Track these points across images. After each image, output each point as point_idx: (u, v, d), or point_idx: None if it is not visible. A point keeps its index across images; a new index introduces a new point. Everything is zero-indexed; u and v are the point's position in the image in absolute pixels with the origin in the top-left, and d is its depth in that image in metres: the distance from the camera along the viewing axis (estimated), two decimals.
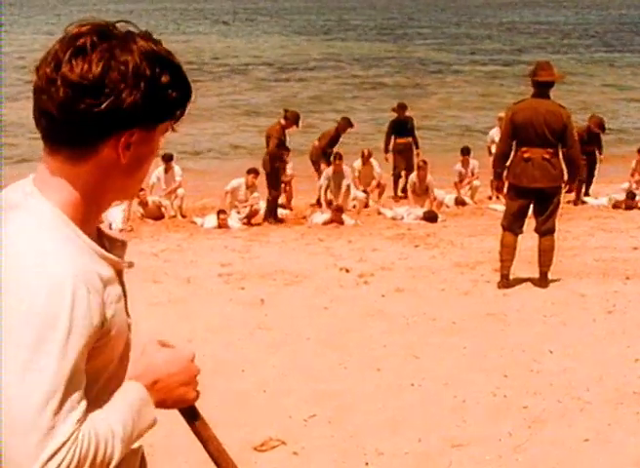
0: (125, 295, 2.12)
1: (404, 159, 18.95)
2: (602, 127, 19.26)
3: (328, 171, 17.17)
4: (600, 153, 18.87)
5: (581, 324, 8.40)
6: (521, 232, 9.99)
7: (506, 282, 9.93)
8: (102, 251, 2.02)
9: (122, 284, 2.10)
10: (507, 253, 9.97)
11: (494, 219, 16.38)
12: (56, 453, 1.78)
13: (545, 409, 6.34)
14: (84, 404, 1.87)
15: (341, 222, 15.87)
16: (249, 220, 16.23)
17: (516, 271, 10.57)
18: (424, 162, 17.70)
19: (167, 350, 2.20)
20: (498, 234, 14.21)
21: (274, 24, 70.65)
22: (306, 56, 49.88)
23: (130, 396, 2.05)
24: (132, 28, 2.03)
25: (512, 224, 9.95)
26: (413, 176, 17.70)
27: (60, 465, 1.78)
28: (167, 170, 16.96)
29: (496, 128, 19.22)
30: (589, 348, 7.69)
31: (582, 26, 71.04)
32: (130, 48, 1.95)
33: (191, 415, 2.25)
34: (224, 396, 6.29)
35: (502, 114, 19.37)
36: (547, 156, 9.51)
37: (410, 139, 19.15)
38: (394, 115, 19.34)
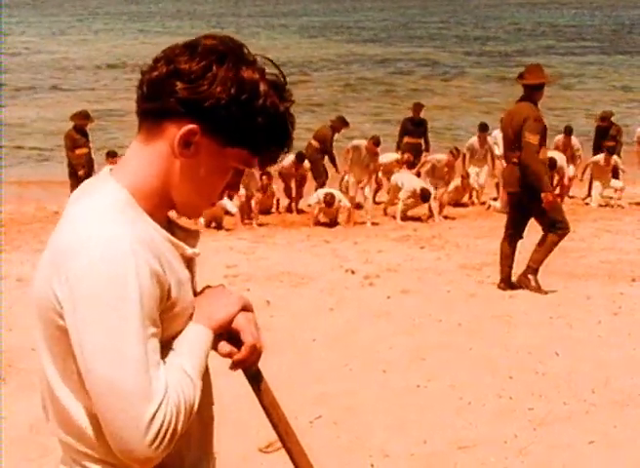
0: (193, 281, 2.19)
1: None
2: (603, 119, 19.24)
3: (319, 192, 16.72)
4: (611, 154, 18.46)
5: (587, 326, 8.39)
6: (519, 238, 10.03)
7: (504, 285, 9.99)
8: (168, 234, 2.07)
9: (191, 271, 2.17)
10: (503, 259, 10.05)
11: (500, 221, 16.37)
12: (156, 413, 1.87)
13: (551, 412, 6.33)
14: (161, 361, 1.95)
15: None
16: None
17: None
18: (457, 149, 17.70)
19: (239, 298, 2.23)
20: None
21: (275, 26, 70.65)
22: (308, 57, 49.90)
23: (193, 338, 2.09)
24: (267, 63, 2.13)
25: (507, 230, 10.10)
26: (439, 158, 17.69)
27: (162, 422, 1.88)
28: None
29: (498, 129, 19.18)
30: (595, 350, 7.68)
31: (587, 28, 70.96)
32: (236, 66, 2.03)
33: (256, 379, 2.28)
34: (230, 397, 6.29)
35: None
36: (515, 160, 9.64)
37: (420, 140, 19.02)
38: (397, 116, 19.29)
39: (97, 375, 1.87)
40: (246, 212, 16.28)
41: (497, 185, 19.08)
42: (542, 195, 9.43)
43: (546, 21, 76.87)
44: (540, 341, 7.96)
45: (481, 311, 9.00)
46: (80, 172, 16.41)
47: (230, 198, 14.54)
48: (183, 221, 2.24)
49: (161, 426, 1.87)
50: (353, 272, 11.08)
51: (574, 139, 19.05)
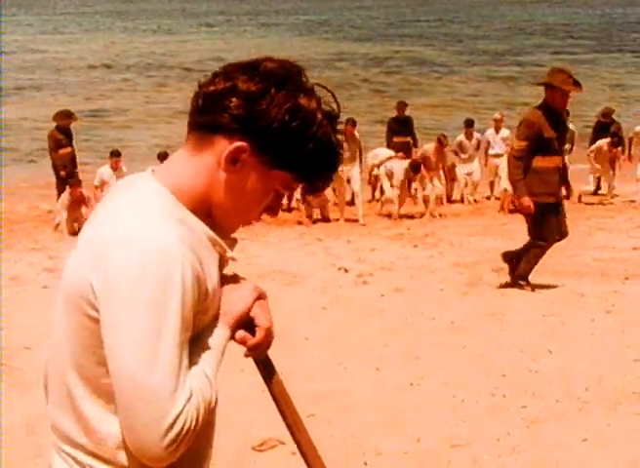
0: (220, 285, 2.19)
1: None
2: (605, 115, 19.23)
3: None
4: (615, 146, 18.36)
5: (580, 324, 8.40)
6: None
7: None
8: (213, 234, 2.09)
9: (221, 273, 2.19)
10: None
11: (493, 219, 16.42)
12: (178, 417, 1.89)
13: (544, 409, 6.34)
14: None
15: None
16: None
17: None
18: (444, 136, 17.69)
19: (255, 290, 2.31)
20: (496, 234, 14.26)
21: (270, 24, 70.63)
22: (299, 55, 49.78)
23: (219, 340, 2.11)
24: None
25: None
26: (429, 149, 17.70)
27: (182, 426, 1.90)
28: None
29: (491, 129, 19.19)
30: (588, 348, 7.69)
31: (579, 26, 71.07)
32: (294, 93, 2.05)
33: (268, 372, 2.32)
34: (223, 396, 6.29)
35: (498, 115, 19.49)
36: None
37: (408, 139, 19.05)
38: (388, 115, 19.30)
39: (125, 372, 1.89)
40: None
41: (491, 184, 19.12)
42: (517, 200, 9.54)
43: (538, 20, 76.99)
44: (534, 339, 7.97)
45: (474, 309, 9.00)
46: (62, 172, 16.31)
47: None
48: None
49: (181, 430, 1.90)
50: (346, 270, 11.09)
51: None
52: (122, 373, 1.89)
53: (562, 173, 9.78)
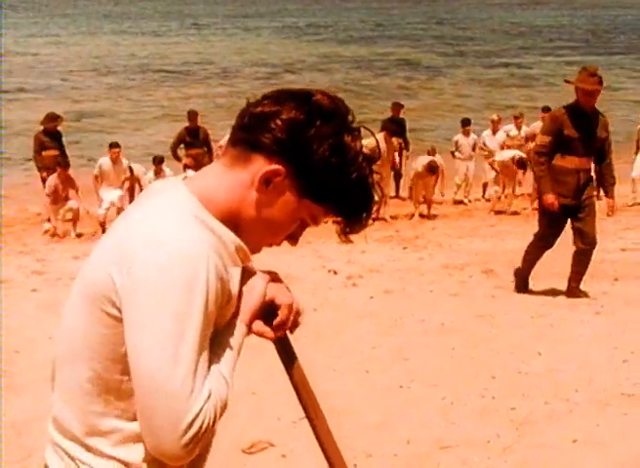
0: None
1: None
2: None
3: None
4: None
5: (570, 325, 8.41)
6: (574, 245, 9.76)
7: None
8: (239, 240, 2.12)
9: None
10: None
11: (482, 221, 16.48)
12: (196, 417, 1.92)
13: (534, 411, 6.34)
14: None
15: None
16: None
17: (503, 274, 10.62)
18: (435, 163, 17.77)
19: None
20: (485, 235, 14.30)
21: (256, 27, 70.56)
22: (287, 58, 49.89)
23: (228, 336, 2.13)
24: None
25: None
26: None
27: (200, 427, 1.93)
28: (157, 172, 16.48)
29: (488, 130, 19.23)
30: (577, 349, 7.70)
31: (569, 28, 71.24)
32: (342, 131, 2.08)
33: (282, 344, 2.40)
34: None
35: (495, 116, 19.54)
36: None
37: (400, 141, 19.01)
38: (377, 117, 19.29)
39: (147, 371, 1.91)
40: None
41: (484, 185, 19.18)
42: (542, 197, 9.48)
43: (526, 22, 77.09)
44: (523, 341, 7.98)
45: (464, 311, 9.01)
46: (44, 174, 16.34)
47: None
48: None
49: (199, 430, 1.92)
50: (336, 273, 11.09)
51: None
52: (144, 373, 1.91)
53: (585, 176, 9.41)
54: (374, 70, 44.54)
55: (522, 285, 9.87)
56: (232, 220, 2.11)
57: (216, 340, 2.07)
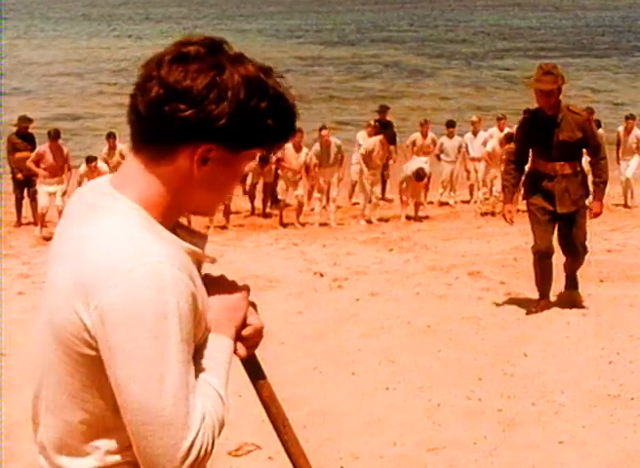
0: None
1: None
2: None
3: None
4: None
5: (556, 327, 8.42)
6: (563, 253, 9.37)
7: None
8: (188, 244, 2.06)
9: (200, 274, 2.15)
10: None
11: (468, 223, 16.49)
12: (194, 441, 1.88)
13: (520, 413, 6.35)
14: (195, 381, 1.96)
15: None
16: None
17: (490, 274, 10.63)
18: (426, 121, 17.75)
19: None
20: (472, 238, 14.31)
21: (239, 30, 70.47)
22: (276, 60, 49.84)
23: (219, 351, 2.10)
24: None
25: None
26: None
27: (199, 450, 1.90)
28: None
29: (469, 133, 19.24)
30: (564, 351, 7.71)
31: (553, 30, 71.37)
32: (234, 68, 1.99)
33: (256, 374, 2.33)
34: None
35: (475, 118, 19.55)
36: None
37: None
38: (366, 119, 19.27)
39: (135, 404, 1.86)
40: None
41: (470, 187, 19.20)
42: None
43: (510, 24, 77.24)
44: (509, 343, 7.98)
45: (450, 313, 9.01)
46: (18, 175, 16.46)
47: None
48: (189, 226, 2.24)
49: (198, 454, 1.89)
50: (322, 275, 11.08)
51: None
52: (132, 406, 1.87)
53: (564, 181, 8.68)
54: (358, 72, 44.57)
55: (544, 304, 9.07)
56: (174, 213, 2.08)
57: (203, 355, 2.05)
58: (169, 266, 1.89)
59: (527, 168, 9.18)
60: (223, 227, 16.21)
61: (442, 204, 19.00)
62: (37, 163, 16.09)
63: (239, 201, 17.52)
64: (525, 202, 9.18)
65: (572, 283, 9.31)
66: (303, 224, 16.61)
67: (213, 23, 76.40)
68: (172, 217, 2.08)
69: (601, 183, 9.01)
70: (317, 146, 17.00)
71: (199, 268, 2.14)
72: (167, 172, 2.01)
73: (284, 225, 16.52)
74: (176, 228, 2.12)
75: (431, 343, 7.99)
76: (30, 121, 17.11)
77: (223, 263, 11.97)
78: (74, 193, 2.15)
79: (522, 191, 9.43)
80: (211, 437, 1.93)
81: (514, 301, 9.43)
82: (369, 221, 16.80)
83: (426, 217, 17.44)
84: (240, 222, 16.96)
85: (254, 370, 2.32)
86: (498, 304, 9.31)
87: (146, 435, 1.86)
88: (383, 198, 19.32)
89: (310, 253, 13.04)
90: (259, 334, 2.26)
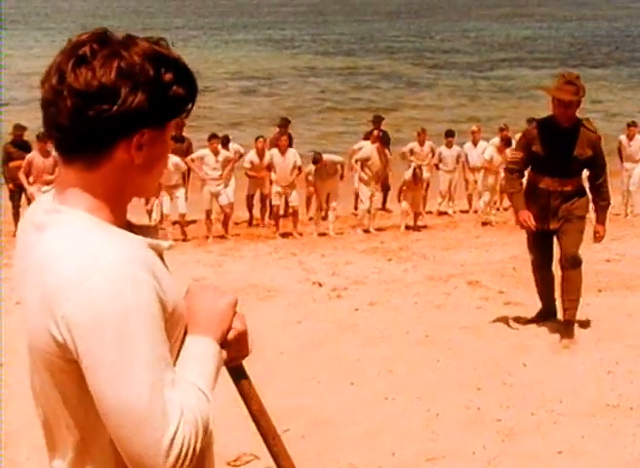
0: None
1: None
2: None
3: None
4: None
5: (555, 336, 8.41)
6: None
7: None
8: (144, 238, 2.06)
9: (165, 264, 2.16)
10: None
11: (466, 232, 16.49)
12: (175, 436, 1.88)
13: (519, 422, 6.34)
14: (175, 378, 1.96)
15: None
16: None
17: (489, 284, 10.62)
18: (420, 168, 17.71)
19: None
20: (470, 247, 14.31)
21: (235, 40, 70.58)
22: (273, 70, 49.95)
23: (203, 352, 2.11)
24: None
25: None
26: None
27: (182, 445, 1.89)
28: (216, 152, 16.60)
29: (469, 142, 19.22)
30: (562, 361, 7.70)
31: (550, 40, 71.51)
32: (131, 50, 1.98)
33: (238, 374, 2.32)
34: None
35: (475, 127, 19.55)
36: None
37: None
38: (363, 129, 19.26)
39: (111, 408, 1.88)
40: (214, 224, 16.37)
41: (468, 197, 19.21)
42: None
43: (506, 34, 77.41)
44: (508, 352, 7.98)
45: (448, 322, 9.01)
46: (10, 185, 16.46)
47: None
48: (138, 220, 2.24)
49: (181, 449, 1.89)
50: (320, 284, 11.07)
51: None
52: (109, 410, 1.88)
53: (559, 199, 8.25)
54: (354, 82, 44.63)
55: (546, 314, 8.91)
56: (123, 207, 2.11)
57: (187, 359, 2.07)
58: (125, 268, 1.89)
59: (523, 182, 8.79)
60: (222, 237, 16.23)
61: (441, 213, 19.03)
62: (29, 170, 16.07)
63: (237, 211, 17.51)
64: (518, 212, 8.47)
65: (570, 316, 8.47)
66: (302, 234, 16.62)
67: (209, 33, 76.51)
68: (122, 214, 2.10)
69: (604, 205, 8.59)
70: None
71: (161, 257, 2.15)
72: (106, 172, 2.02)
73: (283, 235, 16.51)
74: (130, 228, 2.14)
75: (430, 353, 7.99)
76: (24, 129, 17.06)
77: (222, 273, 12.00)
78: (25, 214, 2.16)
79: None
80: (193, 431, 1.92)
81: (513, 311, 9.42)
82: (366, 231, 16.83)
83: (425, 227, 17.47)
84: (238, 232, 16.97)
85: (242, 381, 2.31)
86: (496, 314, 9.29)
87: (127, 436, 1.88)
88: (384, 208, 19.34)
89: (309, 262, 13.03)
90: (244, 340, 2.27)
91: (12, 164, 16.58)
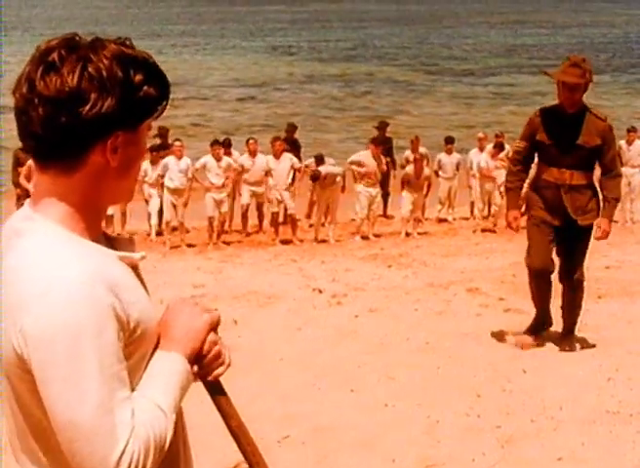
0: (145, 287, 2.17)
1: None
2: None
3: None
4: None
5: (555, 343, 8.42)
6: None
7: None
8: (114, 252, 2.07)
9: (139, 277, 2.15)
10: None
11: (466, 239, 16.49)
12: (123, 454, 1.87)
13: (519, 429, 6.34)
14: (130, 396, 1.94)
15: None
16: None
17: (489, 291, 10.62)
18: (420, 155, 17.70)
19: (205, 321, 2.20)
20: (470, 254, 14.32)
21: (241, 46, 70.60)
22: (274, 77, 49.97)
23: (169, 369, 2.09)
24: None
25: None
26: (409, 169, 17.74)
27: (130, 463, 1.87)
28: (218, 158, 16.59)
29: (475, 149, 19.14)
30: (562, 367, 7.70)
31: (550, 46, 71.53)
32: (99, 54, 1.97)
33: (216, 391, 2.27)
34: (197, 418, 6.25)
35: (481, 134, 19.49)
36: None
37: (388, 159, 18.84)
38: (365, 135, 19.23)
39: (61, 424, 1.88)
40: (215, 231, 16.34)
41: (471, 204, 19.19)
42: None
43: (507, 41, 77.44)
44: (508, 359, 7.98)
45: (448, 329, 9.01)
46: (18, 190, 16.51)
47: None
48: (113, 231, 2.24)
49: (129, 465, 1.88)
50: (321, 291, 11.08)
51: None
52: (60, 426, 1.88)
53: (570, 193, 7.80)
54: (352, 89, 44.61)
55: (539, 328, 8.52)
56: (101, 210, 2.11)
57: (150, 375, 2.06)
58: (86, 286, 1.89)
59: (530, 176, 8.50)
60: (224, 242, 16.25)
61: (441, 220, 19.03)
62: (29, 175, 16.08)
63: (237, 218, 17.49)
64: (508, 212, 8.22)
65: (570, 326, 8.38)
66: (302, 241, 16.63)
67: (207, 40, 76.49)
68: (96, 224, 2.09)
69: (613, 199, 8.01)
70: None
71: (136, 271, 2.15)
72: (80, 178, 2.02)
73: (283, 242, 16.52)
74: (106, 238, 2.15)
75: (430, 360, 7.99)
76: None
77: (222, 279, 12.00)
78: (7, 219, 2.16)
79: (524, 205, 8.55)
80: (143, 447, 1.91)
81: (513, 318, 9.42)
82: (365, 237, 16.84)
83: (425, 234, 17.48)
84: (239, 239, 16.98)
85: (219, 397, 2.29)
86: (496, 321, 9.30)
87: (76, 451, 1.87)
88: (385, 215, 19.33)
89: (309, 269, 13.04)
90: (218, 355, 2.21)
91: (21, 169, 16.65)
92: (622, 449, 5.96)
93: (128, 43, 2.05)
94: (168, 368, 2.09)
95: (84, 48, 1.98)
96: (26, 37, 76.75)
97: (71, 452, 1.88)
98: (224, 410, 2.28)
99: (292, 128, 19.00)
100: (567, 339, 8.27)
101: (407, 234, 17.21)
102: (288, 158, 16.84)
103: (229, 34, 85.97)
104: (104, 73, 1.95)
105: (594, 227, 8.07)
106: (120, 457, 1.86)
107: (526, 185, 8.63)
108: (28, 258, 1.95)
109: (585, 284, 8.30)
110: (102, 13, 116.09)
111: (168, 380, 2.06)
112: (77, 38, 2.02)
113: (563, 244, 8.03)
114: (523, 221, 8.38)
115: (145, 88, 2.02)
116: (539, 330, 8.54)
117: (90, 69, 1.94)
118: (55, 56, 1.95)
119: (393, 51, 68.13)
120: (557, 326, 8.54)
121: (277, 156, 16.77)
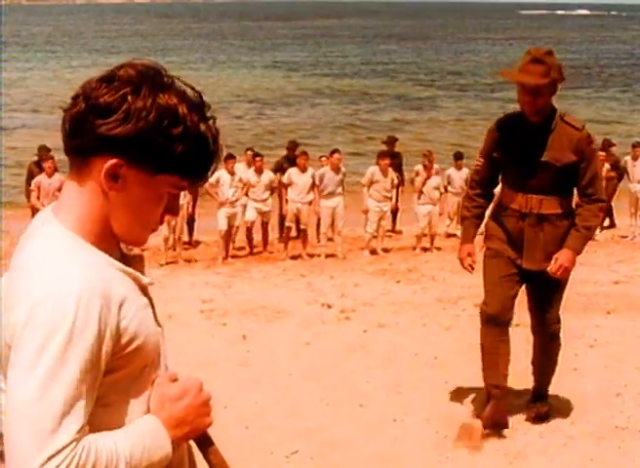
0: (153, 307, 2.18)
1: None
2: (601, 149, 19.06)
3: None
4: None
5: (563, 358, 8.38)
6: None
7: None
8: (121, 265, 2.08)
9: (148, 296, 2.16)
10: None
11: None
12: (53, 456, 1.85)
13: (528, 444, 6.33)
14: (86, 415, 1.92)
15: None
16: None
17: None
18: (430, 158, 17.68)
19: (176, 385, 2.18)
20: (479, 269, 14.26)
21: (251, 62, 70.78)
22: (286, 91, 50.09)
23: (144, 425, 2.08)
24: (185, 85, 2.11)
25: None
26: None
27: (59, 465, 1.85)
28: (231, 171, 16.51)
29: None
30: (571, 383, 7.69)
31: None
32: (152, 93, 2.01)
33: (204, 442, 2.28)
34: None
35: None
36: None
37: (397, 175, 18.66)
38: (373, 149, 19.19)
39: (10, 404, 1.88)
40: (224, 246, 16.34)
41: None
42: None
43: (515, 57, 77.47)
44: (517, 374, 7.96)
45: (457, 344, 8.99)
46: (30, 203, 16.67)
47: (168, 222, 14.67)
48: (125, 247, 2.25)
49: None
50: (329, 306, 11.08)
51: None
52: (8, 406, 1.89)
53: (536, 224, 6.16)
54: (366, 105, 44.69)
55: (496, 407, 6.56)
56: (108, 230, 2.10)
57: (135, 424, 2.06)
58: (81, 293, 1.91)
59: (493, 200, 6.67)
60: (233, 256, 16.26)
61: (449, 235, 18.99)
62: (39, 192, 16.26)
63: (243, 234, 17.45)
64: (460, 246, 6.82)
65: (540, 391, 6.99)
66: (312, 256, 16.62)
67: (213, 56, 76.70)
68: (105, 237, 2.10)
69: (584, 228, 6.13)
70: (322, 171, 16.97)
71: (145, 291, 2.16)
72: (91, 189, 2.05)
73: (292, 257, 16.52)
74: (118, 252, 2.17)
75: (439, 375, 7.98)
76: (49, 150, 17.25)
77: (231, 294, 12.01)
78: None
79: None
80: (82, 461, 1.87)
81: (521, 333, 9.40)
82: (373, 252, 16.81)
83: (435, 248, 17.45)
84: (247, 253, 16.98)
85: (208, 450, 2.29)
86: None
87: (13, 437, 1.87)
88: (393, 230, 19.30)
89: (318, 284, 13.04)
90: (200, 413, 2.20)
91: (31, 182, 16.90)
92: (631, 465, 5.95)
93: (197, 108, 2.09)
94: (148, 430, 2.07)
95: (150, 81, 2.03)
96: (32, 53, 77.06)
97: (8, 436, 1.89)
98: (213, 462, 2.29)
99: (392, 139, 19.05)
100: (536, 405, 6.85)
101: (424, 249, 17.18)
102: (310, 175, 16.75)
103: (236, 50, 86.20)
104: (138, 107, 1.99)
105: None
106: (47, 460, 1.84)
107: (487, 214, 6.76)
108: (33, 259, 1.99)
109: (562, 336, 6.92)
110: (110, 28, 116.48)
111: (135, 433, 2.04)
112: (160, 72, 2.07)
113: (532, 288, 6.63)
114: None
115: (172, 143, 2.02)
116: (494, 419, 6.55)
117: (128, 96, 1.99)
118: (122, 72, 2.03)
119: (401, 67, 68.28)
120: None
121: (302, 169, 16.64)
